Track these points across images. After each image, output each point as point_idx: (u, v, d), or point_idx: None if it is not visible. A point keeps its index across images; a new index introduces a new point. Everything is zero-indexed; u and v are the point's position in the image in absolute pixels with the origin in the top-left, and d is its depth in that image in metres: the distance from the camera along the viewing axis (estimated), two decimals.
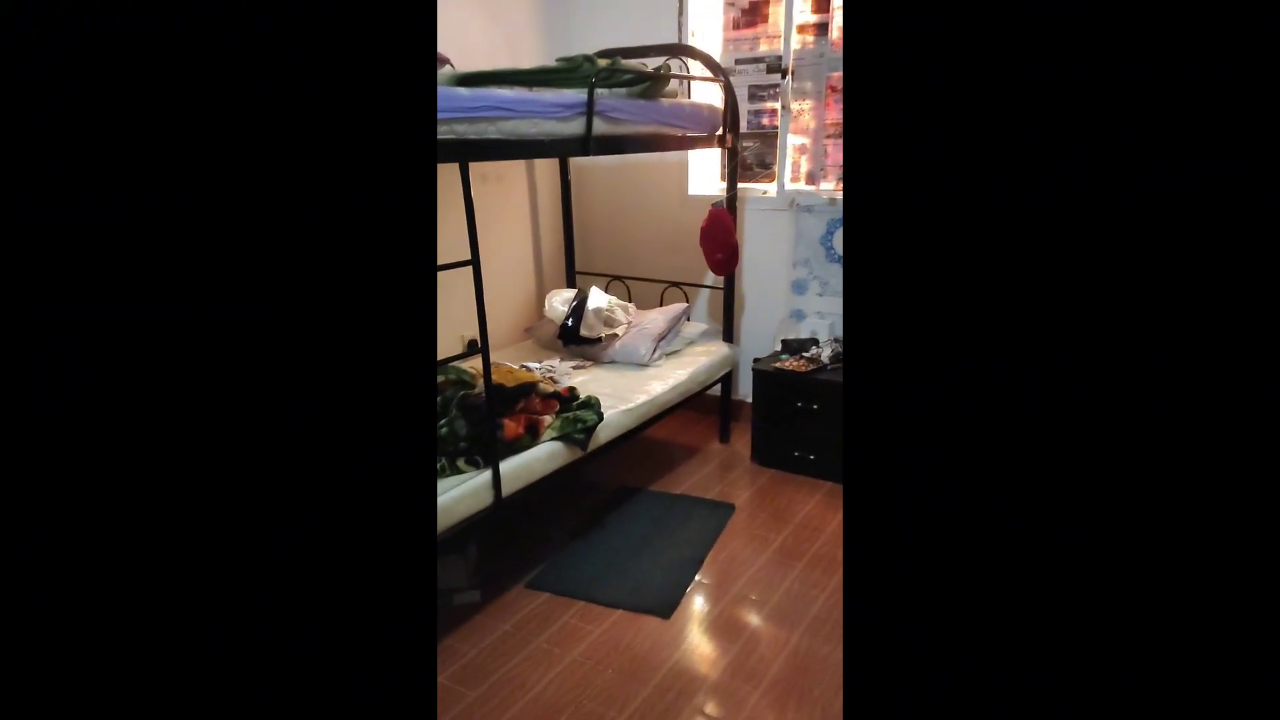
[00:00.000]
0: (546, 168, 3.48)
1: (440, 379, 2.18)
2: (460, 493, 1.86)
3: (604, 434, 2.33)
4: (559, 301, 3.12)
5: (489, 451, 1.95)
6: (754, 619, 2.03)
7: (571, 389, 2.38)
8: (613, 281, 3.52)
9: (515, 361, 2.92)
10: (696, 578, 2.22)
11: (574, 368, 2.91)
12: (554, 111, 2.02)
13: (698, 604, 2.10)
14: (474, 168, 3.06)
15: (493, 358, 2.97)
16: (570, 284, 3.61)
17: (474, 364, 1.96)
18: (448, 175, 1.76)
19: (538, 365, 2.88)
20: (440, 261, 1.74)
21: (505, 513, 2.00)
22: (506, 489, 1.98)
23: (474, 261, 1.81)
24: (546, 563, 2.29)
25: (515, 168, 3.34)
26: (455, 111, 1.73)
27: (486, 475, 1.93)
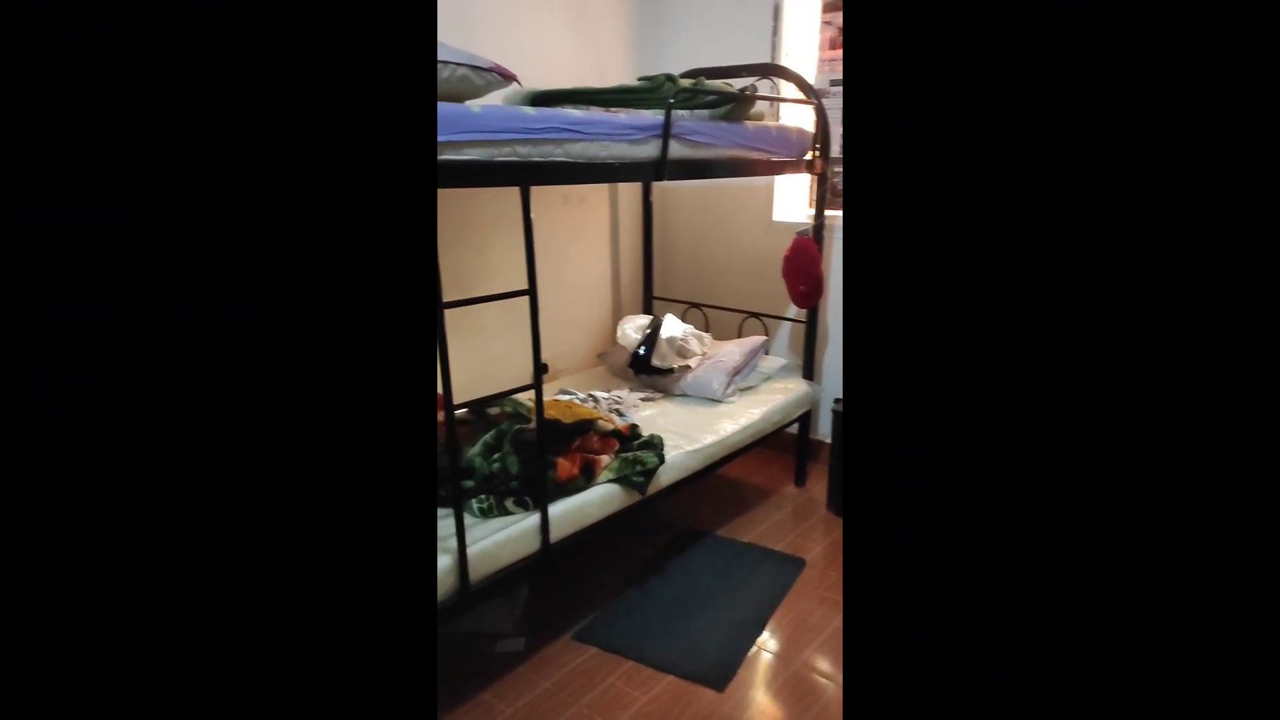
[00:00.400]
0: (629, 189, 3.37)
1: (495, 411, 2.08)
2: (505, 536, 1.74)
3: (666, 476, 2.18)
4: (632, 329, 2.99)
5: (539, 492, 1.83)
6: (819, 695, 1.83)
7: (633, 426, 2.23)
8: (690, 309, 3.37)
9: (584, 389, 2.80)
10: (758, 643, 2.03)
11: (642, 399, 2.76)
12: (626, 134, 1.89)
13: (756, 675, 1.91)
14: (555, 189, 3.02)
15: (562, 384, 2.89)
16: (647, 309, 3.48)
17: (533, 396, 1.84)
18: (517, 197, 1.65)
19: (605, 395, 2.75)
20: (507, 289, 1.65)
21: (555, 557, 1.87)
22: (556, 534, 1.85)
23: (530, 291, 1.69)
24: (598, 612, 2.14)
25: (598, 189, 3.24)
26: (518, 132, 1.62)
27: (535, 518, 1.81)
